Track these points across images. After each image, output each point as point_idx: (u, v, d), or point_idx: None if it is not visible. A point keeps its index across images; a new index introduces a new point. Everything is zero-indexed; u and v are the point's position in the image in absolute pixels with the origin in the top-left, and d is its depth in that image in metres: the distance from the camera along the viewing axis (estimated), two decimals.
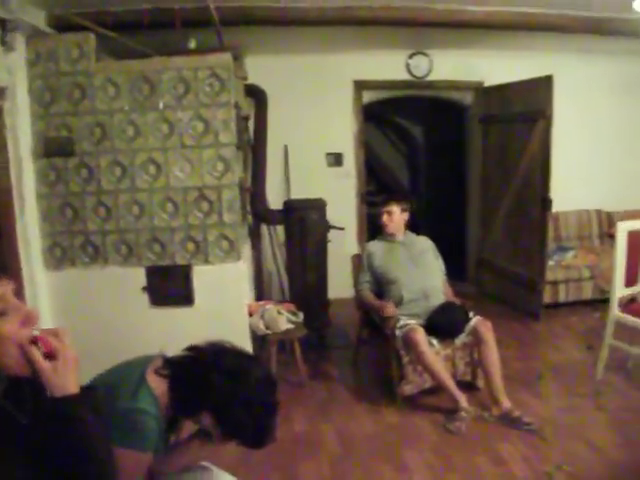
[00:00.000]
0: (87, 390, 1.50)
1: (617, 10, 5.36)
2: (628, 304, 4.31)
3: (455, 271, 6.84)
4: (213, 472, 2.03)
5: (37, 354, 1.38)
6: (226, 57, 3.88)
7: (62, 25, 3.91)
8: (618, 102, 6.74)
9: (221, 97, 3.85)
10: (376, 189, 9.01)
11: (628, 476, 3.17)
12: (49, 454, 1.41)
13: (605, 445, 3.43)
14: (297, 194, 5.86)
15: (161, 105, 3.84)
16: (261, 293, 5.70)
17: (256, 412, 1.87)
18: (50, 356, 1.41)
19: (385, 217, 4.35)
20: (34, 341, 1.39)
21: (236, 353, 2.06)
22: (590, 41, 6.18)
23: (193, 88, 3.83)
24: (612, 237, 5.33)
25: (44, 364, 1.39)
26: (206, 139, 3.88)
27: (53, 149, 3.86)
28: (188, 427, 2.11)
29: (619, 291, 4.17)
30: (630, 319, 4.09)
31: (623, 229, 4.10)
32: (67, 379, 1.42)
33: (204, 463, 2.09)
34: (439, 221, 8.21)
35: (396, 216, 4.35)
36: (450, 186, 7.73)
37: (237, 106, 4.13)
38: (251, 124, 5.62)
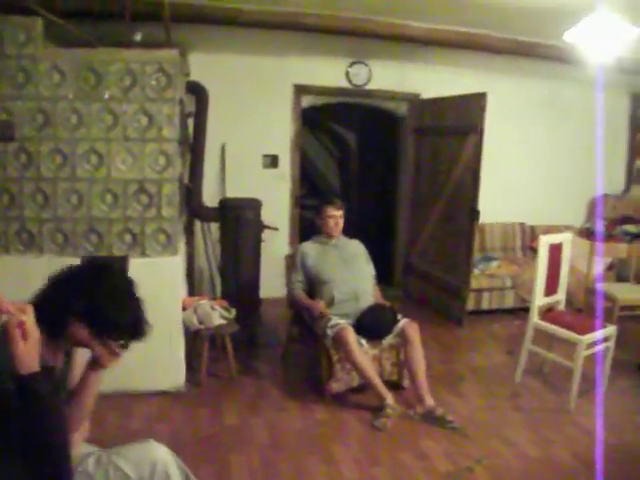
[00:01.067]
0: (45, 368, 1.60)
1: (547, 37, 5.67)
2: (546, 312, 4.60)
3: (382, 275, 7.03)
4: (153, 444, 2.12)
5: (18, 336, 1.47)
6: (174, 53, 3.92)
7: (9, 7, 3.84)
8: (545, 122, 7.17)
9: (167, 92, 3.89)
10: (308, 192, 9.13)
11: (540, 469, 3.42)
12: (13, 428, 1.48)
13: (521, 442, 3.69)
14: (232, 193, 5.91)
15: (106, 96, 3.84)
16: (192, 289, 5.71)
17: (120, 300, 1.90)
18: (24, 337, 1.49)
19: (332, 223, 4.47)
20: (19, 325, 1.48)
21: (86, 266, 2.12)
22: (522, 62, 6.50)
23: (140, 81, 3.85)
24: (534, 250, 5.65)
25: (21, 345, 1.48)
26: (149, 133, 3.91)
27: None
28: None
29: (539, 300, 4.44)
30: (548, 326, 4.37)
31: (545, 242, 4.37)
32: (33, 358, 1.51)
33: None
34: (369, 226, 8.39)
35: (340, 220, 4.51)
36: (381, 192, 7.91)
37: (182, 102, 4.16)
38: (191, 121, 5.63)
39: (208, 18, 4.82)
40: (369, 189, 8.89)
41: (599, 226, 7.17)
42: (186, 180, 5.17)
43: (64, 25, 3.93)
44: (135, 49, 3.98)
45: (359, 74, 6.42)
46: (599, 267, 6.39)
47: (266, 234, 5.37)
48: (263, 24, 5.03)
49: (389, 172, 7.49)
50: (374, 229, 8.00)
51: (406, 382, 4.30)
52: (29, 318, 1.52)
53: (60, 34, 4.26)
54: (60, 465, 1.57)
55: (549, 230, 6.30)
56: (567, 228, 6.77)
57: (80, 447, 2.16)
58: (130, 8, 4.06)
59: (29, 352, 1.51)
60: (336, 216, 4.46)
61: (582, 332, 4.14)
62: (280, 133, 6.34)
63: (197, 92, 5.61)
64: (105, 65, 3.81)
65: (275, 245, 5.86)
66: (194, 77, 5.63)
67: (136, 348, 4.05)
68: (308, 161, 9.51)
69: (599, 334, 4.26)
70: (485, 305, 6.32)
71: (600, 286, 5.75)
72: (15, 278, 3.90)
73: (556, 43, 5.60)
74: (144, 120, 3.90)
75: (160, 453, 2.10)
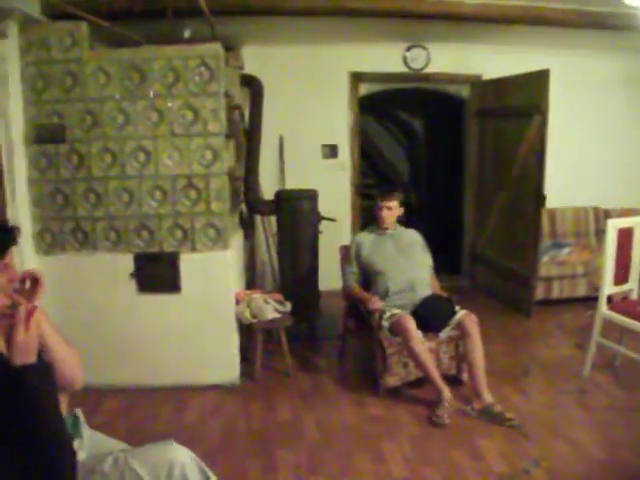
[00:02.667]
0: (40, 360, 1.59)
1: (615, 4, 5.32)
2: (617, 302, 4.32)
3: (450, 264, 6.89)
4: (173, 446, 2.08)
5: (22, 324, 1.48)
6: (216, 47, 3.90)
7: (55, 13, 3.94)
8: (624, 99, 6.74)
9: (210, 86, 3.88)
10: (376, 182, 9.04)
11: (605, 474, 3.18)
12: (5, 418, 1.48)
13: (585, 443, 3.44)
14: (292, 185, 5.88)
15: (151, 94, 3.88)
16: (253, 283, 5.72)
17: None
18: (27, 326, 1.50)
19: (385, 212, 4.35)
20: (29, 313, 1.49)
21: None
22: (588, 36, 6.14)
23: (183, 77, 3.86)
24: None
25: (22, 334, 1.48)
26: (195, 128, 3.92)
27: (44, 135, 3.91)
28: None
29: (608, 289, 4.17)
30: (618, 317, 4.09)
31: (613, 226, 4.09)
32: (32, 350, 1.51)
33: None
34: (437, 214, 8.23)
35: (395, 211, 4.38)
36: (449, 179, 7.72)
37: (228, 95, 4.15)
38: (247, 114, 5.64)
39: (254, 9, 4.79)
40: (437, 176, 8.71)
41: None
42: (241, 174, 5.16)
43: (109, 27, 3.98)
44: (180, 45, 3.98)
45: (417, 58, 6.26)
46: None
47: (326, 225, 5.31)
48: (310, 11, 4.95)
49: (455, 157, 7.28)
50: (443, 217, 7.83)
51: (465, 376, 4.14)
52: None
53: (109, 36, 4.34)
54: (55, 457, 1.56)
55: (625, 213, 5.92)
56: None
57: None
58: (171, 5, 4.08)
59: (29, 343, 1.51)
60: (388, 207, 4.34)
61: None
62: (338, 122, 6.27)
63: (251, 85, 5.59)
64: (148, 63, 3.84)
65: (336, 236, 5.78)
66: (248, 70, 5.64)
67: (190, 342, 4.15)
68: (375, 150, 9.42)
69: None
70: (555, 294, 6.00)
71: None
72: (71, 275, 4.06)
73: (625, 11, 5.24)
74: (189, 115, 3.91)
75: (179, 455, 2.06)
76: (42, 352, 1.66)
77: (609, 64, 6.59)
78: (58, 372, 1.74)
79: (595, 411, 3.87)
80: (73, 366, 1.89)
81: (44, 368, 1.61)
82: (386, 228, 4.39)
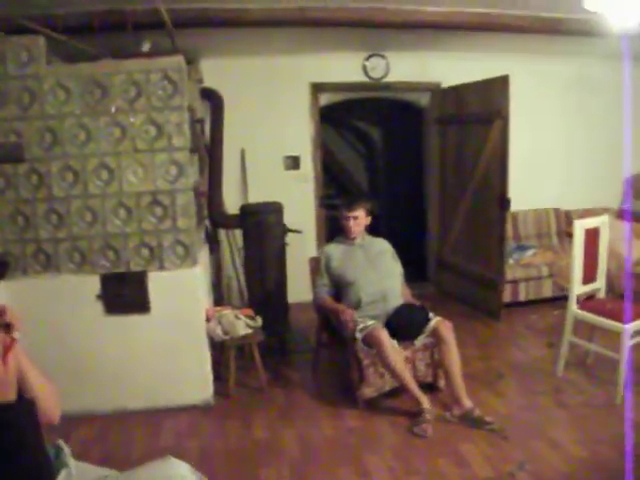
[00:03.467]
0: (20, 397, 1.50)
1: (569, 11, 5.43)
2: (586, 301, 4.38)
3: (416, 272, 6.90)
4: (171, 460, 2.00)
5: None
6: (178, 59, 3.82)
7: (10, 27, 3.80)
8: (577, 102, 6.90)
9: (174, 100, 3.80)
10: (337, 192, 9.04)
11: (588, 471, 3.21)
12: None
13: (565, 442, 3.49)
14: (255, 198, 5.82)
15: (113, 109, 3.77)
16: (221, 298, 5.64)
17: None
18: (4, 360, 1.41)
19: (352, 222, 4.31)
20: (9, 345, 1.39)
21: None
22: (545, 41, 6.26)
23: (145, 91, 3.76)
24: (570, 235, 5.41)
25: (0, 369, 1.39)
26: (159, 143, 3.82)
27: (2, 155, 3.74)
28: None
29: (577, 288, 4.24)
30: (588, 316, 4.16)
31: (580, 226, 4.16)
32: (11, 386, 1.42)
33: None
34: (399, 222, 8.25)
35: (362, 220, 4.35)
36: (409, 187, 7.75)
37: (191, 109, 4.07)
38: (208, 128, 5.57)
39: (213, 21, 4.71)
40: (397, 185, 8.75)
41: (632, 206, 6.98)
42: (205, 188, 5.09)
43: (67, 42, 3.87)
44: (141, 59, 3.89)
45: (376, 67, 6.27)
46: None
47: (292, 238, 5.27)
48: (268, 22, 4.90)
49: (416, 166, 7.32)
50: (405, 226, 7.86)
51: (442, 383, 4.14)
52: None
53: (67, 50, 4.22)
54: None
55: (585, 214, 6.04)
56: (604, 210, 6.47)
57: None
58: (131, 19, 3.99)
59: (7, 379, 1.41)
60: (354, 217, 4.30)
61: (625, 320, 3.92)
62: (300, 134, 6.24)
63: (212, 98, 5.55)
64: (109, 77, 3.73)
65: (302, 248, 5.74)
66: (208, 83, 5.57)
67: (162, 363, 4.04)
68: (333, 160, 9.42)
69: None
70: (522, 296, 6.09)
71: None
72: (34, 300, 3.90)
73: (580, 16, 5.35)
74: (153, 130, 3.81)
75: (179, 470, 1.98)
76: (21, 388, 1.57)
77: (565, 68, 6.76)
78: (39, 408, 1.65)
79: (572, 409, 3.92)
80: (52, 400, 1.79)
81: (26, 405, 1.51)
82: (354, 238, 4.36)
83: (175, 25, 4.18)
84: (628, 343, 3.90)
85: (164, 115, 3.80)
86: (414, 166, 7.40)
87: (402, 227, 7.90)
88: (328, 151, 9.17)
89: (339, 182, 9.59)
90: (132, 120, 3.78)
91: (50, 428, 1.93)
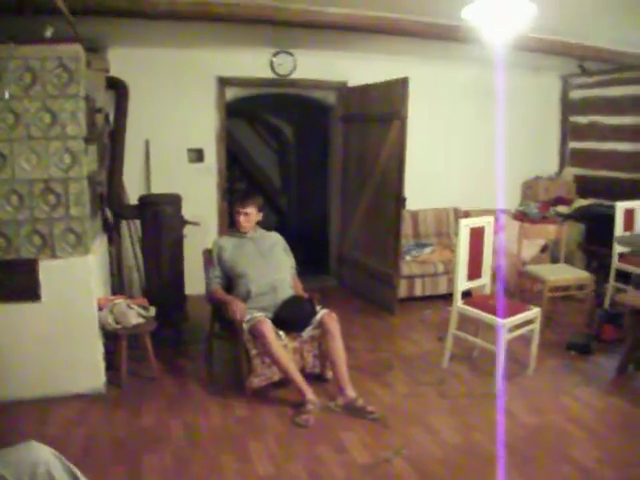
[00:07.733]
0: None
1: (458, 19, 5.64)
2: (472, 297, 4.65)
3: (319, 265, 7.08)
4: (33, 444, 2.04)
5: None
6: (76, 48, 3.79)
7: None
8: (475, 107, 7.22)
9: (69, 88, 3.78)
10: (247, 186, 9.11)
11: (461, 456, 3.44)
12: None
13: (442, 429, 3.72)
14: (159, 189, 5.81)
15: (7, 95, 3.71)
16: (122, 288, 5.62)
17: None
18: None
19: (242, 218, 4.42)
20: None
21: None
22: (441, 47, 6.47)
23: (40, 78, 3.72)
24: None
25: None
26: (53, 131, 3.80)
27: None
28: None
29: (462, 284, 4.48)
30: (470, 310, 4.42)
31: (465, 225, 4.41)
32: None
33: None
34: (308, 217, 8.39)
35: (252, 216, 4.46)
36: (319, 184, 7.92)
37: (89, 98, 4.06)
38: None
39: (114, 10, 4.66)
40: (307, 180, 8.89)
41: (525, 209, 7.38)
42: (104, 178, 5.06)
43: None
44: (36, 45, 3.83)
45: (283, 64, 6.37)
46: (530, 249, 6.50)
47: (192, 230, 5.31)
48: (173, 15, 4.87)
49: (325, 163, 7.47)
50: (313, 220, 8.00)
51: (329, 374, 4.29)
52: None
53: None
54: None
55: (484, 214, 6.32)
56: (503, 212, 6.84)
57: None
58: (30, 3, 3.93)
59: None
60: (245, 212, 4.41)
61: (503, 315, 4.18)
62: (205, 127, 6.26)
63: (117, 87, 5.51)
64: (3, 62, 3.67)
65: (203, 240, 5.77)
66: (114, 73, 5.52)
67: (52, 352, 4.00)
68: (245, 155, 9.48)
69: (521, 317, 4.32)
70: (418, 292, 6.36)
71: (526, 268, 5.84)
72: None
73: (471, 24, 5.58)
74: (47, 118, 3.78)
75: (42, 454, 2.04)
76: None
77: (461, 73, 7.08)
78: None
79: (452, 399, 4.16)
80: None
81: None
82: (245, 232, 4.47)
83: (73, 13, 4.13)
84: (504, 337, 4.16)
85: (59, 103, 3.78)
86: (324, 163, 7.55)
87: (312, 222, 8.04)
88: (240, 145, 9.24)
89: (250, 177, 9.66)
90: (26, 107, 3.72)
91: None
